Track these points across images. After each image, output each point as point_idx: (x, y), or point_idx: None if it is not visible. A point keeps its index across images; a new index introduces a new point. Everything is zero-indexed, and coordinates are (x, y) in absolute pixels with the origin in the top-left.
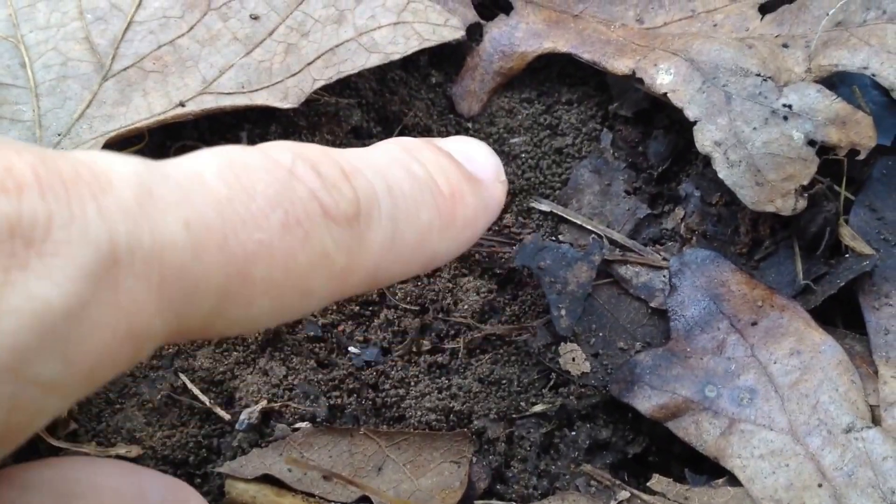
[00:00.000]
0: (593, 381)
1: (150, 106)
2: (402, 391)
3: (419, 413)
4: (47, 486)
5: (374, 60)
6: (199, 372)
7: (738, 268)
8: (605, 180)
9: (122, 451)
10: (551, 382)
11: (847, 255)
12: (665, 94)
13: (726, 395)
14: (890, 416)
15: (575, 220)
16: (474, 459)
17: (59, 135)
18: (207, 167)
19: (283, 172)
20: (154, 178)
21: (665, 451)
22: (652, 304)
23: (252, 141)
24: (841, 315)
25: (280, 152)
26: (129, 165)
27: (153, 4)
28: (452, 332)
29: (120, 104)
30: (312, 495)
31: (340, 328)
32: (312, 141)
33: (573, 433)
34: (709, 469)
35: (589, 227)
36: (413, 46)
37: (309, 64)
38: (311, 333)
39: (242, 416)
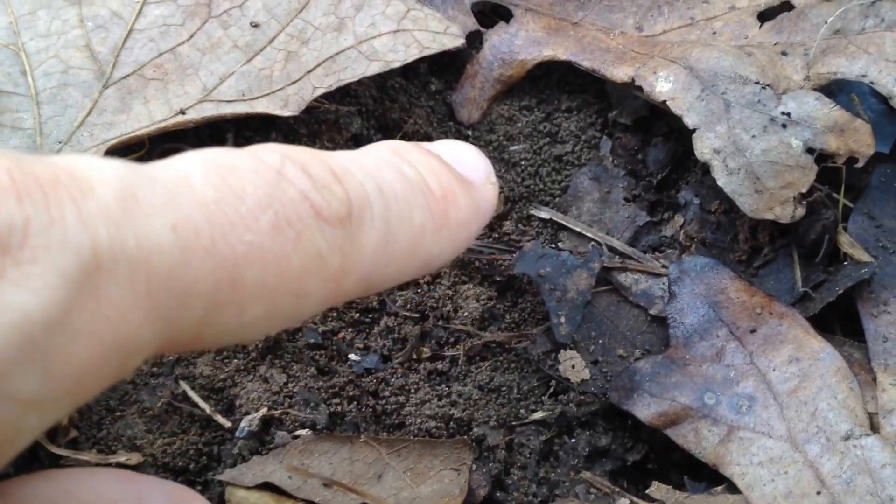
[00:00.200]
0: (593, 388)
1: (151, 114)
2: (402, 398)
3: (419, 420)
4: (44, 499)
5: (374, 68)
6: (200, 379)
7: (737, 275)
8: (605, 188)
9: (122, 458)
10: (551, 390)
11: (846, 263)
12: (664, 101)
13: (725, 402)
14: (888, 424)
15: (574, 228)
16: (474, 467)
17: (60, 142)
18: (194, 169)
19: (271, 174)
20: (139, 181)
21: (664, 459)
22: (651, 312)
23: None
24: (839, 322)
25: (268, 154)
26: (112, 169)
27: (154, 12)
28: (452, 339)
29: (121, 112)
30: (313, 503)
31: (340, 335)
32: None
33: (573, 440)
34: (708, 476)
35: (588, 235)
36: (413, 54)
37: (309, 72)
38: (312, 341)
39: (243, 424)
